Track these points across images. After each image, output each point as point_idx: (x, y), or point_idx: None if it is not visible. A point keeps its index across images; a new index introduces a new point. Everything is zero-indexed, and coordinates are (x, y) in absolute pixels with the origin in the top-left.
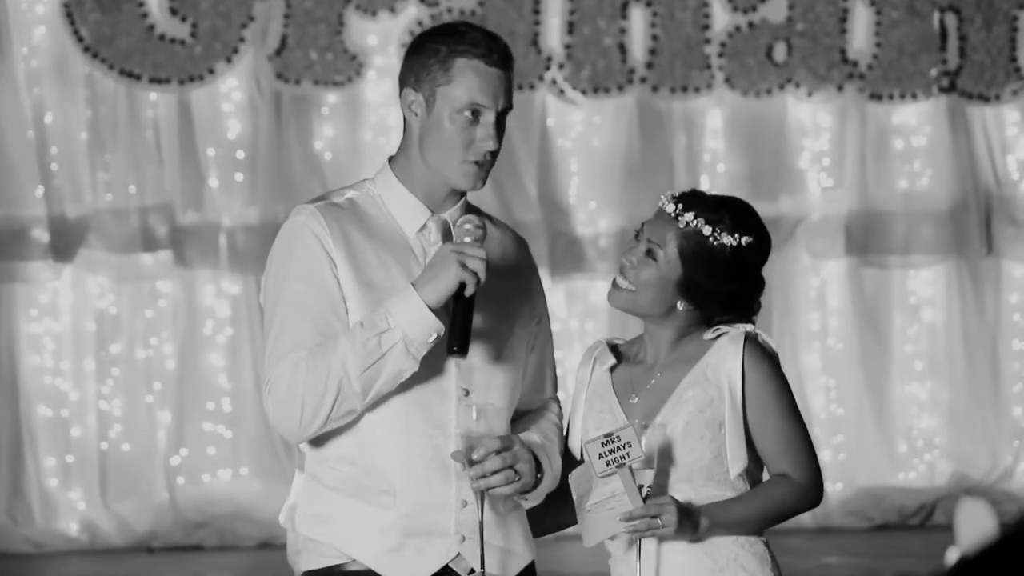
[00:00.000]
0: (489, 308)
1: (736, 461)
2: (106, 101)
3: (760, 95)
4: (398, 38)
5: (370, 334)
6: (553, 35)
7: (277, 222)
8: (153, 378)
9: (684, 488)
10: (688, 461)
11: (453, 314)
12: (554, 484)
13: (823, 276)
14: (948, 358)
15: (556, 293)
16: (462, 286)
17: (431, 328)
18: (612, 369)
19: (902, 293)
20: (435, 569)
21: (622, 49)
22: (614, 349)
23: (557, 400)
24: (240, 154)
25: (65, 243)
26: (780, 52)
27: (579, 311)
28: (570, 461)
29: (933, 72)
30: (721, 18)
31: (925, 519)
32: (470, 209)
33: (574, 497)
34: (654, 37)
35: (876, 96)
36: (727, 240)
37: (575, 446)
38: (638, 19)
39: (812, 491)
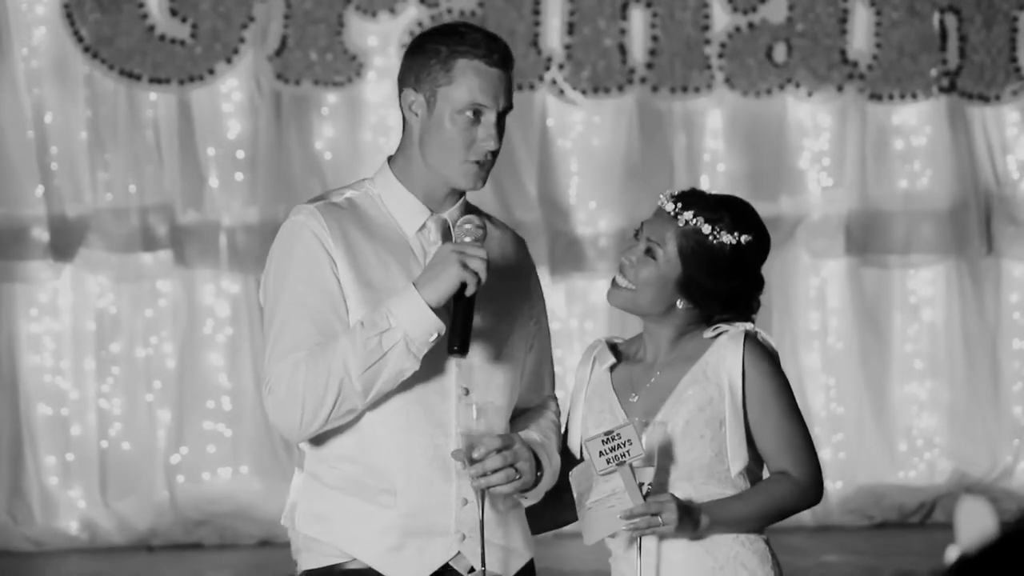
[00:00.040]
0: (488, 307)
1: (737, 459)
2: (106, 101)
3: (760, 95)
4: (398, 39)
5: (371, 334)
6: (553, 35)
7: (277, 222)
8: (153, 377)
9: (684, 486)
10: (688, 459)
11: (454, 314)
12: (553, 482)
13: (823, 276)
14: (948, 357)
15: (556, 293)
16: (463, 286)
17: (432, 328)
18: (612, 368)
19: (902, 292)
20: (436, 568)
21: (622, 49)
22: (613, 348)
23: (555, 398)
24: (240, 154)
25: (65, 243)
26: (780, 52)
27: (579, 311)
28: (569, 460)
29: (933, 72)
30: (721, 18)
31: (925, 517)
32: (469, 209)
33: (575, 495)
34: (654, 37)
35: (876, 96)
36: (726, 239)
37: (574, 445)
38: (638, 19)
39: (812, 489)
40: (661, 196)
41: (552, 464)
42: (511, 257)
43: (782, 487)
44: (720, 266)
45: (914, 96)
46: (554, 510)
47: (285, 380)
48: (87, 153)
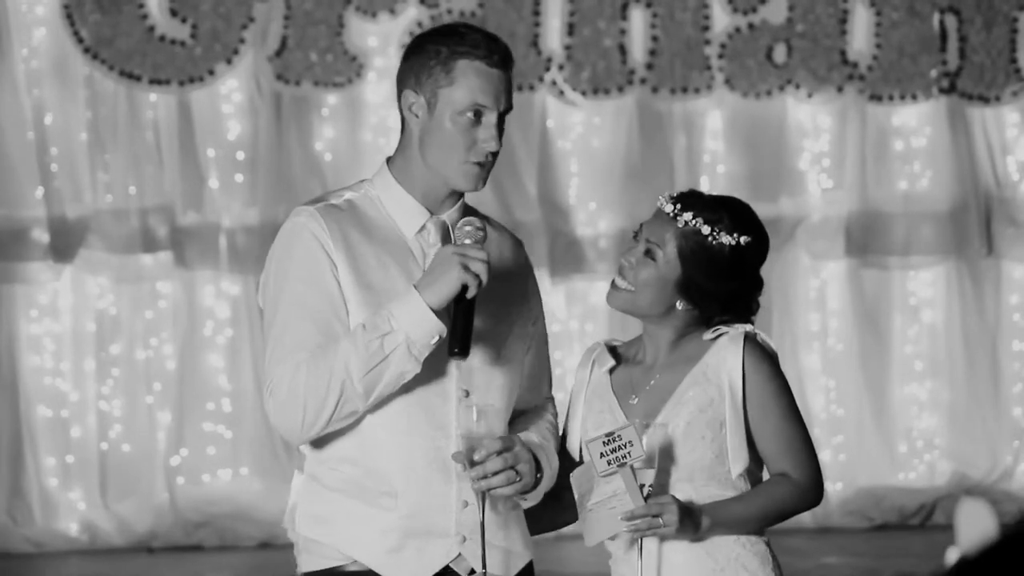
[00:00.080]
0: (487, 309)
1: (737, 461)
2: (106, 102)
3: (760, 96)
4: (398, 39)
5: (372, 336)
6: (553, 36)
7: (277, 223)
8: (153, 378)
9: (685, 488)
10: (689, 461)
11: (454, 316)
12: (551, 483)
13: (823, 277)
14: (948, 358)
15: (556, 294)
16: (464, 288)
17: (433, 330)
18: (611, 371)
19: (902, 294)
20: (436, 569)
21: (622, 50)
22: (612, 351)
23: (552, 400)
24: (240, 155)
25: (65, 244)
26: (780, 53)
27: (579, 312)
28: (568, 462)
29: (933, 73)
30: (721, 19)
31: (925, 519)
32: (468, 210)
33: (576, 496)
34: (654, 38)
35: (876, 97)
36: (726, 239)
37: (574, 447)
38: (638, 20)
39: (812, 490)
40: (660, 197)
41: (552, 466)
42: (509, 259)
43: (782, 489)
44: (720, 267)
45: (914, 97)
46: (553, 511)
47: (286, 382)
48: (87, 154)
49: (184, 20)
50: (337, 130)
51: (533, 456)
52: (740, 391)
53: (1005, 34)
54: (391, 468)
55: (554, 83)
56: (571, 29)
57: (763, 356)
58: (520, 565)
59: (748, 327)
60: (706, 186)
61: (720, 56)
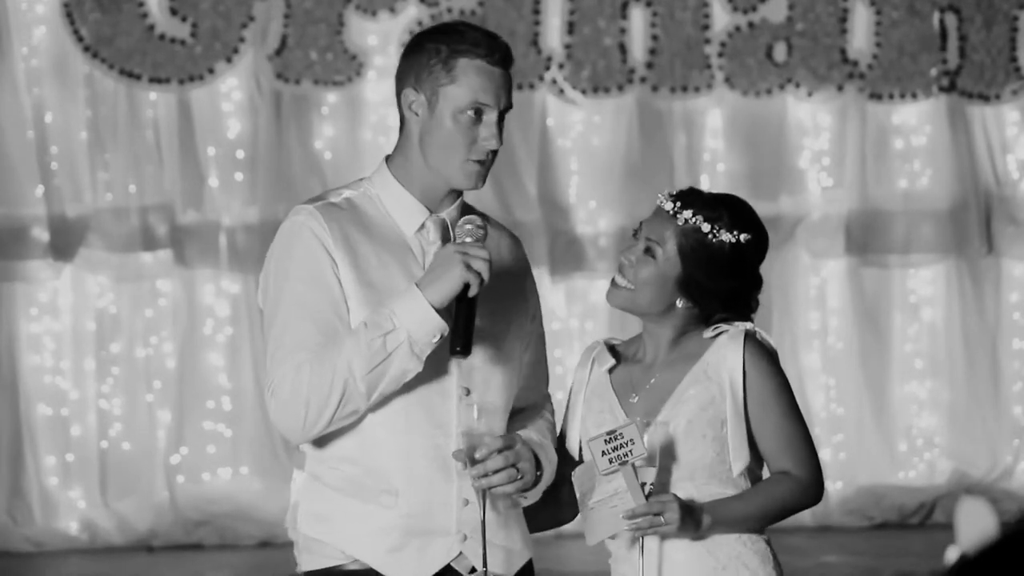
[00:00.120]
0: (486, 307)
1: (738, 459)
2: (106, 101)
3: (760, 95)
4: (398, 38)
5: (375, 335)
6: (553, 35)
7: (277, 222)
8: (153, 377)
9: (687, 486)
10: (691, 459)
11: (456, 314)
12: (550, 482)
13: (823, 275)
14: (948, 357)
15: (556, 292)
16: (466, 286)
17: (436, 328)
18: (611, 370)
19: (902, 292)
20: (437, 568)
21: (622, 49)
22: (612, 349)
23: (549, 398)
24: (240, 154)
25: (65, 242)
26: (780, 52)
27: (579, 310)
28: (567, 461)
29: (933, 72)
30: (721, 18)
31: (925, 518)
32: (466, 209)
33: (577, 495)
34: (654, 37)
35: (876, 96)
36: (726, 237)
37: (573, 447)
38: (638, 19)
39: (813, 488)
40: (660, 195)
41: (551, 464)
42: (507, 257)
43: (783, 486)
44: (720, 265)
45: (914, 96)
46: (551, 510)
47: (289, 381)
48: (87, 153)
49: (184, 19)
50: (337, 129)
51: (533, 454)
52: (741, 389)
53: (1005, 33)
54: (391, 467)
55: (554, 82)
56: (571, 28)
57: (763, 354)
58: (520, 563)
59: (748, 325)
60: (706, 185)
61: (720, 55)
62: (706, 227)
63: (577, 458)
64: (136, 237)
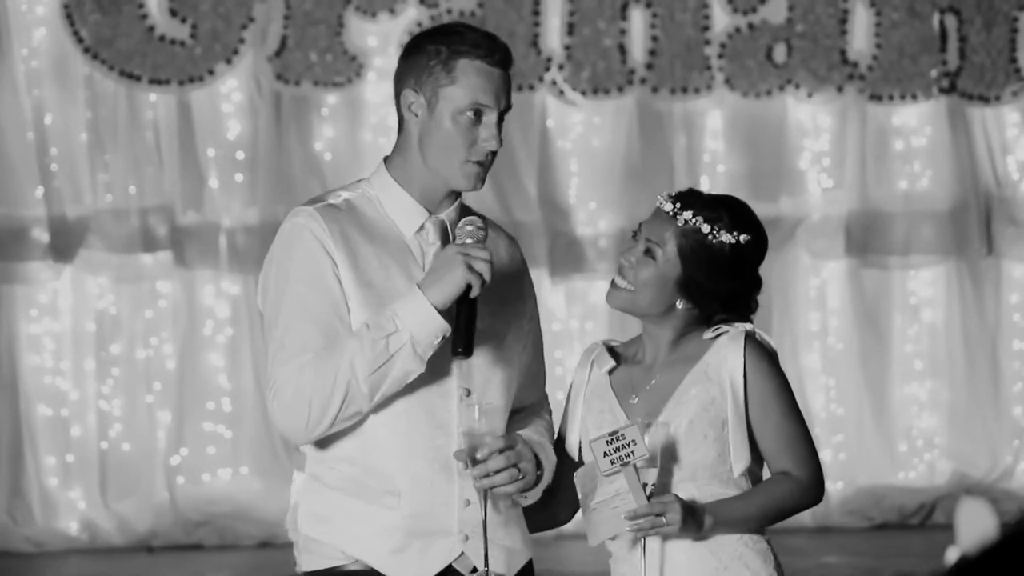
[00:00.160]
0: (485, 308)
1: (740, 459)
2: (106, 102)
3: (760, 96)
4: (398, 39)
5: (377, 336)
6: (553, 36)
7: (277, 223)
8: (153, 378)
9: (688, 487)
10: (692, 460)
11: (457, 315)
12: (549, 481)
13: (823, 276)
14: (948, 358)
15: (556, 293)
16: (468, 287)
17: (438, 330)
18: (611, 372)
19: (902, 293)
20: (439, 569)
21: (622, 50)
22: (611, 351)
23: (547, 397)
24: (240, 155)
25: (65, 243)
26: (780, 53)
27: (579, 311)
28: (567, 462)
29: (933, 73)
30: (721, 19)
31: (925, 518)
32: (466, 210)
33: (579, 496)
34: (654, 38)
35: (876, 97)
36: (726, 238)
37: (573, 448)
38: (638, 20)
39: (813, 488)
40: (659, 196)
41: (551, 464)
42: (505, 257)
43: (784, 486)
44: (720, 265)
45: (914, 97)
46: (549, 510)
47: (292, 382)
48: (87, 154)
49: (184, 20)
50: (337, 130)
51: (534, 454)
52: (742, 390)
53: (1005, 34)
54: (393, 468)
55: (554, 83)
56: (571, 29)
57: (763, 354)
58: (521, 563)
59: (748, 326)
60: (706, 186)
61: (720, 56)
62: (706, 228)
63: (576, 459)
64: (136, 238)
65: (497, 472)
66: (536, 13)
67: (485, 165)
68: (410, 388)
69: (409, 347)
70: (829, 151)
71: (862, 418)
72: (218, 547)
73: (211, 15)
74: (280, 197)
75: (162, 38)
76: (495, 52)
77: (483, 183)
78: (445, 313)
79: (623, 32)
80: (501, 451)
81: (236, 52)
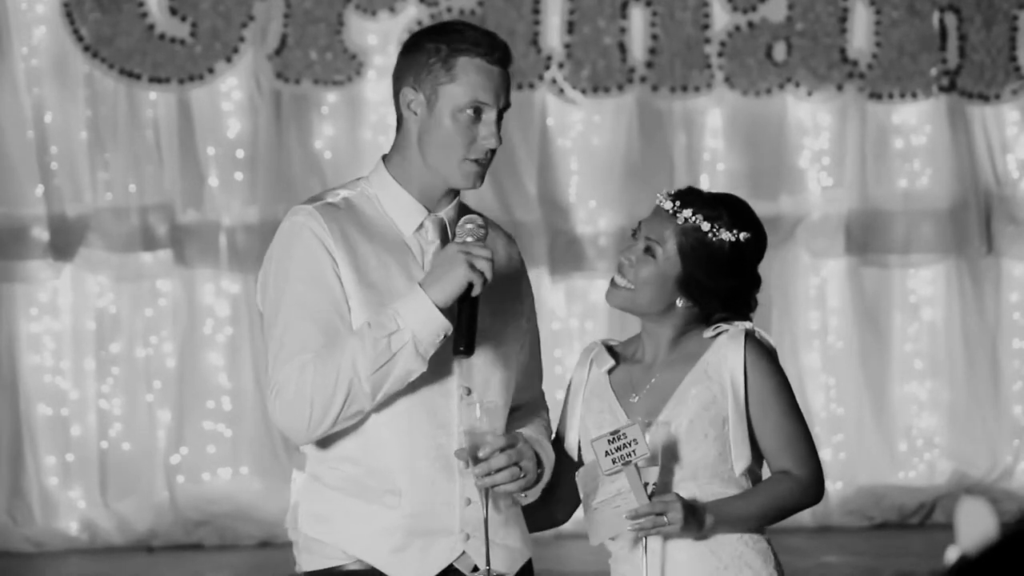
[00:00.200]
0: (485, 306)
1: (740, 458)
2: (106, 101)
3: (760, 94)
4: (398, 38)
5: (379, 335)
6: (553, 34)
7: (277, 221)
8: (153, 377)
9: (689, 486)
10: (693, 459)
11: (459, 314)
12: (548, 480)
13: (823, 275)
14: (948, 357)
15: (556, 292)
16: (469, 286)
17: (440, 328)
18: (610, 371)
19: (902, 292)
20: (440, 568)
21: (622, 48)
22: (610, 350)
23: (544, 396)
24: (240, 153)
25: (65, 242)
26: (780, 52)
27: (579, 310)
28: (566, 462)
29: (933, 71)
30: (721, 18)
31: (925, 518)
32: (465, 208)
33: (581, 496)
34: (654, 36)
35: (876, 95)
36: (725, 236)
37: (571, 447)
38: (638, 19)
39: (814, 487)
40: (659, 195)
41: (550, 462)
42: (503, 255)
43: (784, 485)
44: (720, 264)
45: (914, 95)
46: (548, 509)
47: (293, 381)
48: (87, 153)
49: (184, 19)
50: (337, 128)
51: (534, 452)
52: (742, 388)
53: (1005, 32)
54: (395, 467)
55: (554, 81)
56: (571, 27)
57: (763, 353)
58: (521, 562)
59: (748, 324)
60: (706, 184)
61: (720, 54)
62: (706, 226)
63: (576, 459)
64: (136, 237)
65: (499, 470)
66: (536, 11)
67: (484, 163)
68: (411, 387)
69: (411, 346)
70: (829, 149)
71: (862, 417)
72: (218, 547)
73: (211, 13)
74: (280, 196)
75: (162, 36)
76: (495, 50)
77: (482, 181)
78: (447, 312)
79: (623, 30)
80: (503, 449)
81: (236, 50)
